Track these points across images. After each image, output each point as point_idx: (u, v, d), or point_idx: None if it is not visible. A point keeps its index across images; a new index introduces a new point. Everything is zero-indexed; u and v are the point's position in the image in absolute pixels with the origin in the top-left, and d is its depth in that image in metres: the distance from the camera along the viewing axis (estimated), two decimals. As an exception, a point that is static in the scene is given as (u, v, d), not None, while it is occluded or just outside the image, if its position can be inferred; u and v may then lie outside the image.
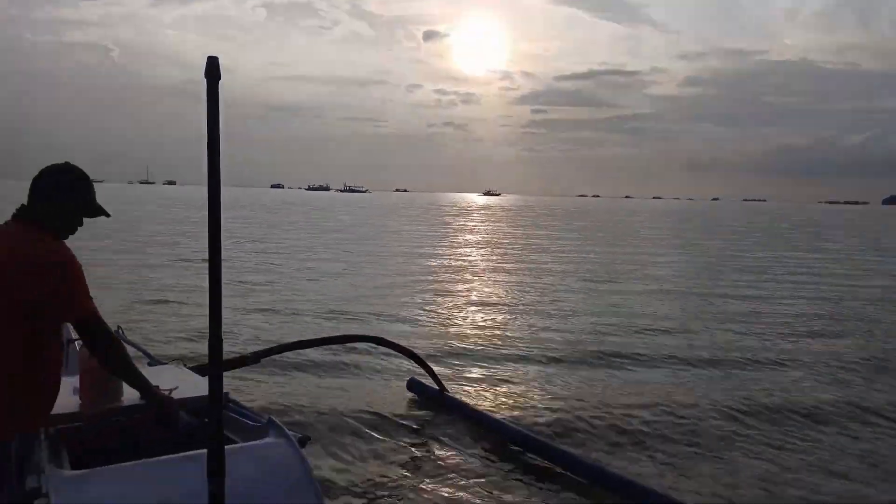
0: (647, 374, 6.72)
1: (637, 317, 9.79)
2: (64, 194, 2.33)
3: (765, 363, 7.12)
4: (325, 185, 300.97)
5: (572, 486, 3.97)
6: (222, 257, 2.16)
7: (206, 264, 2.08)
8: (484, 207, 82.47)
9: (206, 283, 2.08)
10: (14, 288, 2.14)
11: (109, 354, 2.38)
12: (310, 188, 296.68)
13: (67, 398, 2.97)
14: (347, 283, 12.87)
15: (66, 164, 2.42)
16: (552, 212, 70.02)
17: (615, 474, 3.97)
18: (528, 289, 12.71)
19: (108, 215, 2.49)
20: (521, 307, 10.61)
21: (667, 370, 6.84)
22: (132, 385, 2.48)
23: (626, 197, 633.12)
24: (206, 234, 2.01)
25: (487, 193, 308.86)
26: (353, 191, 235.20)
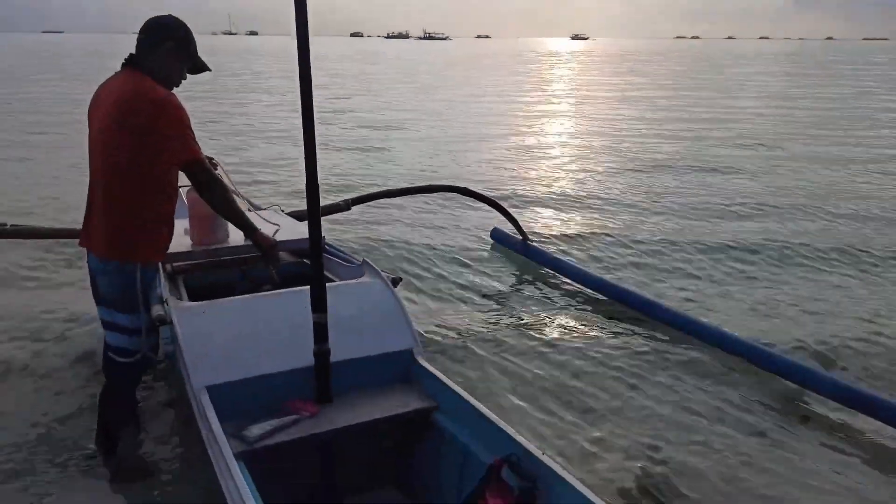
0: (742, 224, 6.53)
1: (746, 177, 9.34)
2: (165, 46, 2.40)
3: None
4: (404, 33, 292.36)
5: (657, 333, 4.03)
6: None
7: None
8: (573, 53, 78.13)
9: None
10: (131, 124, 2.28)
11: (216, 197, 2.51)
12: (389, 36, 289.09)
13: (180, 238, 3.22)
14: (431, 136, 12.82)
15: (169, 16, 2.49)
16: (652, 57, 65.19)
17: (701, 322, 3.99)
18: (625, 141, 12.22)
19: (209, 69, 2.58)
20: (614, 161, 10.27)
21: (765, 222, 6.62)
22: (238, 226, 2.61)
23: (729, 38, 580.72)
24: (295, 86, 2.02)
25: (575, 38, 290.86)
26: (433, 38, 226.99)
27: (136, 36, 2.45)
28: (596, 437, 3.02)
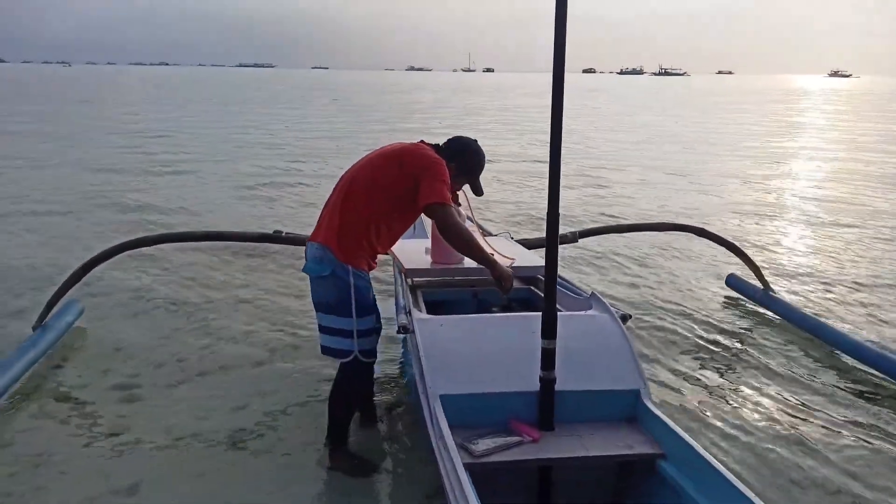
0: None
1: None
2: (461, 160, 2.91)
3: None
4: (638, 69, 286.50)
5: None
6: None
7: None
8: (836, 91, 70.28)
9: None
10: (402, 161, 2.77)
11: (456, 240, 2.80)
12: (622, 72, 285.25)
13: (421, 256, 3.49)
14: (658, 175, 12.36)
15: (470, 143, 3.01)
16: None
17: None
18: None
19: (481, 194, 3.06)
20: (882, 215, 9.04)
21: None
22: (479, 262, 2.83)
23: None
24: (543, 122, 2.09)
25: (834, 74, 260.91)
26: (670, 73, 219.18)
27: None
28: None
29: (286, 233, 4.58)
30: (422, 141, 2.93)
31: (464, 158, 2.94)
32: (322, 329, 2.81)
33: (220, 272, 5.67)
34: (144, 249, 5.00)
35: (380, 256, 2.94)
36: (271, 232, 4.76)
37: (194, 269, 5.72)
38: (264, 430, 3.21)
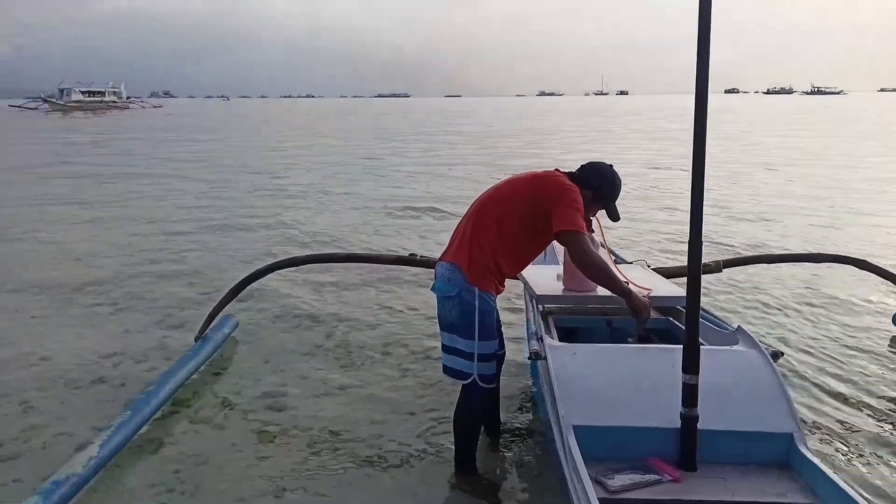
0: None
1: None
2: (597, 186, 2.89)
3: None
4: (787, 88, 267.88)
5: None
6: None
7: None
8: None
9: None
10: (537, 189, 2.79)
11: (589, 269, 2.77)
12: (769, 91, 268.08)
13: (553, 282, 3.46)
14: (820, 200, 11.44)
15: (605, 168, 2.96)
16: None
17: None
18: None
19: (618, 219, 3.01)
20: None
21: None
22: (613, 292, 2.77)
23: None
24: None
25: None
26: (823, 92, 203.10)
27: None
28: None
29: (420, 256, 4.73)
30: (556, 169, 2.93)
31: (599, 184, 2.89)
32: (445, 348, 2.86)
33: (359, 292, 5.95)
34: (293, 269, 5.35)
35: (507, 281, 2.94)
36: (407, 255, 4.94)
37: (337, 288, 6.04)
38: (399, 445, 3.30)
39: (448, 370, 2.86)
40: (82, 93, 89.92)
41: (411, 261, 4.78)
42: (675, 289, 3.36)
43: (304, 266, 5.15)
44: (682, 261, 2.43)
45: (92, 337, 4.84)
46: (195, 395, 3.87)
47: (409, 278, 6.21)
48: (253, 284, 4.74)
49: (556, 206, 2.70)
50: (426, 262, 4.67)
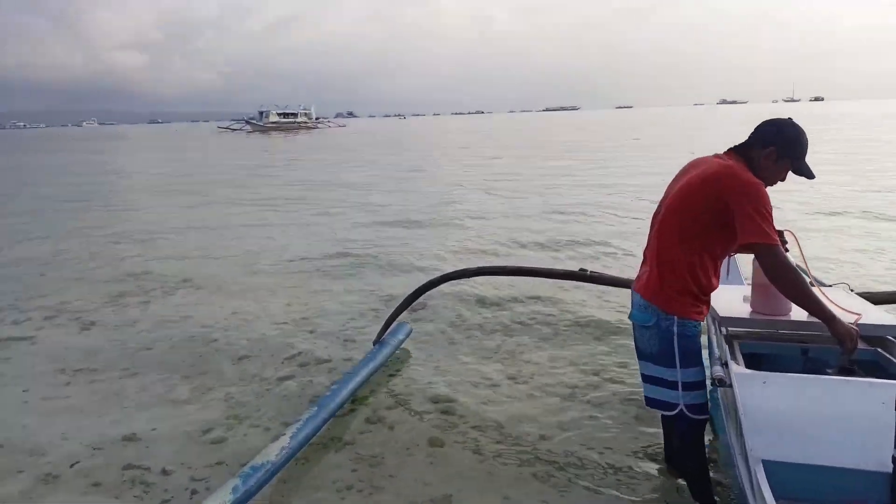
0: None
1: None
2: (779, 147, 2.52)
3: None
4: None
5: None
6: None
7: None
8: None
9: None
10: (710, 194, 2.46)
11: (786, 286, 2.47)
12: None
13: (738, 304, 3.22)
14: None
15: (789, 119, 2.60)
16: None
17: None
18: None
19: (812, 177, 2.58)
20: None
21: None
22: (814, 314, 2.50)
23: None
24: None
25: None
26: None
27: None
28: None
29: (591, 272, 4.63)
30: (729, 150, 2.60)
31: (782, 139, 2.53)
32: (645, 378, 2.70)
33: (525, 305, 5.96)
34: (463, 280, 5.50)
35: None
36: (577, 270, 4.86)
37: (505, 300, 6.10)
38: (566, 464, 3.25)
39: (651, 401, 2.69)
40: (278, 115, 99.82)
41: (581, 276, 4.70)
42: (886, 317, 2.98)
43: (474, 278, 5.27)
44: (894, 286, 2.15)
45: (281, 338, 5.31)
46: (372, 396, 4.10)
47: (578, 293, 6.11)
48: (427, 293, 4.94)
49: (740, 209, 2.39)
50: (597, 279, 4.56)
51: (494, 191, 15.33)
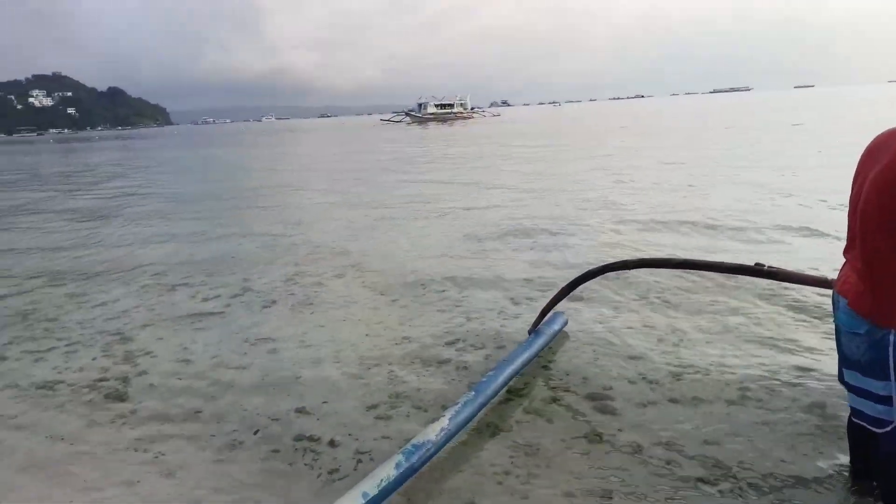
0: None
1: None
2: None
3: None
4: None
5: None
6: None
7: None
8: None
9: None
10: None
11: None
12: None
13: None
14: None
15: None
16: None
17: None
18: None
19: None
20: None
21: None
22: None
23: None
24: None
25: None
26: None
27: None
28: None
29: (768, 266, 4.25)
30: None
31: None
32: (850, 388, 2.45)
33: (689, 299, 5.64)
34: (623, 272, 5.31)
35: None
36: (752, 264, 4.49)
37: (666, 294, 5.82)
38: (734, 473, 3.04)
39: (858, 414, 2.43)
40: (436, 106, 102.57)
41: (756, 271, 4.33)
42: None
43: (633, 270, 5.06)
44: None
45: (440, 323, 5.46)
46: (527, 386, 4.10)
47: (750, 289, 5.68)
48: (584, 284, 4.83)
49: None
50: (774, 274, 4.19)
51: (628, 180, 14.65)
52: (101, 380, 4.64)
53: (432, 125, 79.22)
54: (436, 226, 10.32)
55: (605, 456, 3.25)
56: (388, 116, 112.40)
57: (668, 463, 3.14)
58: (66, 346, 5.42)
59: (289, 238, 9.78)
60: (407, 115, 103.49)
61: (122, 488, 3.25)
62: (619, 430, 3.50)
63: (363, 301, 6.25)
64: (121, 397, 4.33)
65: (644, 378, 4.14)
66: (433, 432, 3.18)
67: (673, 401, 3.82)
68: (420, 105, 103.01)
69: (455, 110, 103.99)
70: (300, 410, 3.97)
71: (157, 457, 3.53)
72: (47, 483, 3.34)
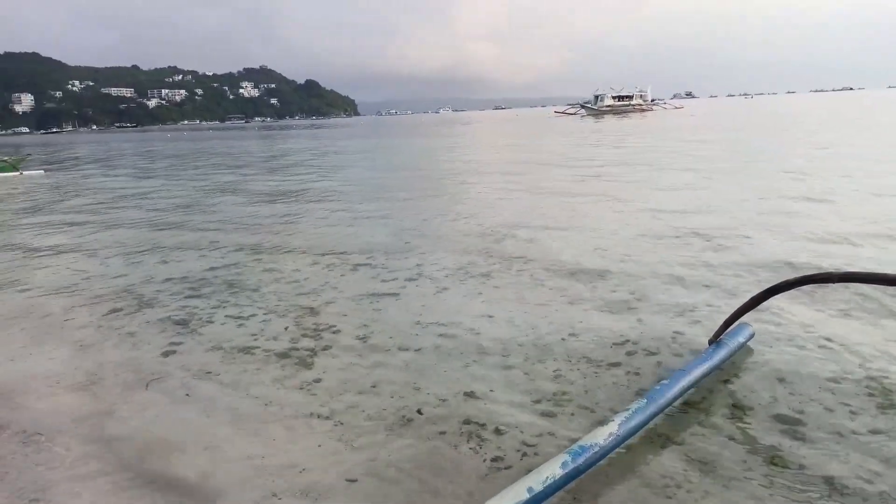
0: None
1: None
2: None
3: None
4: None
5: None
6: None
7: None
8: None
9: None
10: None
11: None
12: None
13: None
14: None
15: None
16: None
17: None
18: None
19: None
20: None
21: None
22: None
23: None
24: None
25: None
26: None
27: None
28: None
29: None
30: None
31: None
32: None
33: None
34: (826, 286, 4.81)
35: None
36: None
37: (874, 313, 5.17)
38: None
39: None
40: (613, 98, 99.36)
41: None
42: None
43: (839, 284, 4.56)
44: None
45: (611, 324, 5.30)
46: (704, 400, 3.86)
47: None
48: (775, 297, 4.43)
49: None
50: None
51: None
52: (292, 349, 5.09)
53: (608, 118, 76.91)
54: (612, 220, 10.03)
55: (791, 485, 2.98)
56: (562, 108, 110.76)
57: (865, 501, 2.81)
58: (264, 314, 6.02)
59: (463, 222, 10.04)
60: (582, 107, 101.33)
61: (310, 451, 3.55)
62: (809, 458, 3.19)
63: (531, 296, 6.24)
64: (308, 366, 4.73)
65: (842, 404, 3.72)
66: (601, 436, 3.11)
67: (875, 432, 3.40)
68: (596, 97, 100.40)
69: (633, 102, 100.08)
70: (469, 394, 4.08)
71: (336, 425, 3.81)
72: (248, 438, 3.74)
